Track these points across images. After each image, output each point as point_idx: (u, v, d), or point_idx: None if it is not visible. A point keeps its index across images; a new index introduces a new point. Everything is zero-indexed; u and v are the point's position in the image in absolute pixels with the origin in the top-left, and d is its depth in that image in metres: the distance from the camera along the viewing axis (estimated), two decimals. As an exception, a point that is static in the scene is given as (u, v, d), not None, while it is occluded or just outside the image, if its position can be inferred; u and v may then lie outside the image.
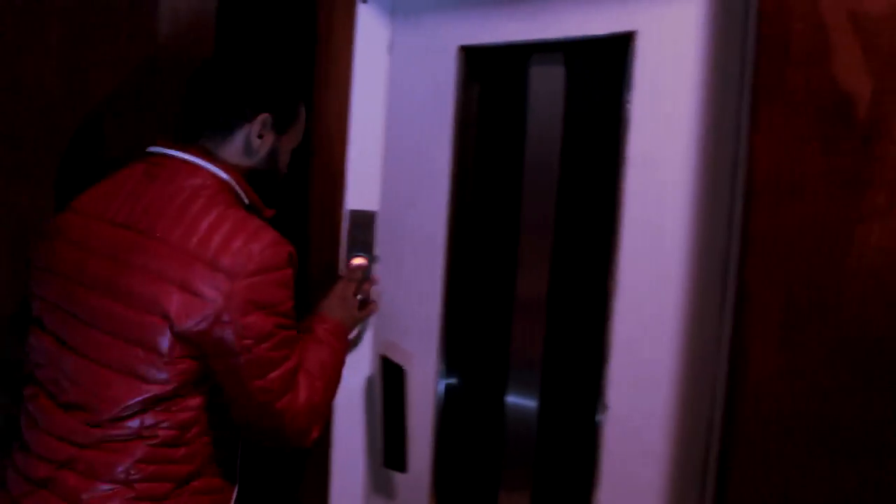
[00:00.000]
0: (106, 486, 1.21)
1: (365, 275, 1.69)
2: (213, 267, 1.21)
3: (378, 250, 1.76)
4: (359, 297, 1.63)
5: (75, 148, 1.77)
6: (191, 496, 1.29)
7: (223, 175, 1.34)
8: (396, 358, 1.66)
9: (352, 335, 1.63)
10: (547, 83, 1.57)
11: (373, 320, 1.78)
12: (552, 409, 1.60)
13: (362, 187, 1.75)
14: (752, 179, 1.16)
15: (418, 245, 1.69)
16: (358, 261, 1.69)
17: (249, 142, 1.38)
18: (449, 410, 1.72)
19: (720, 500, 1.22)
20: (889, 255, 1.07)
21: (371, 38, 1.73)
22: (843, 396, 1.10)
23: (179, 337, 1.21)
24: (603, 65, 1.52)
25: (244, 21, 1.91)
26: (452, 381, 1.72)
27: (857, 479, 1.10)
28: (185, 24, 1.88)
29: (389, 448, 1.71)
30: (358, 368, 1.79)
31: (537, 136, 1.58)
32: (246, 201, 1.38)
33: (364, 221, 1.74)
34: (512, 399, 1.63)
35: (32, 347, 1.34)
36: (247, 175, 1.40)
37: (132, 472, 1.22)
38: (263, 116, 1.38)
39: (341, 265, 1.74)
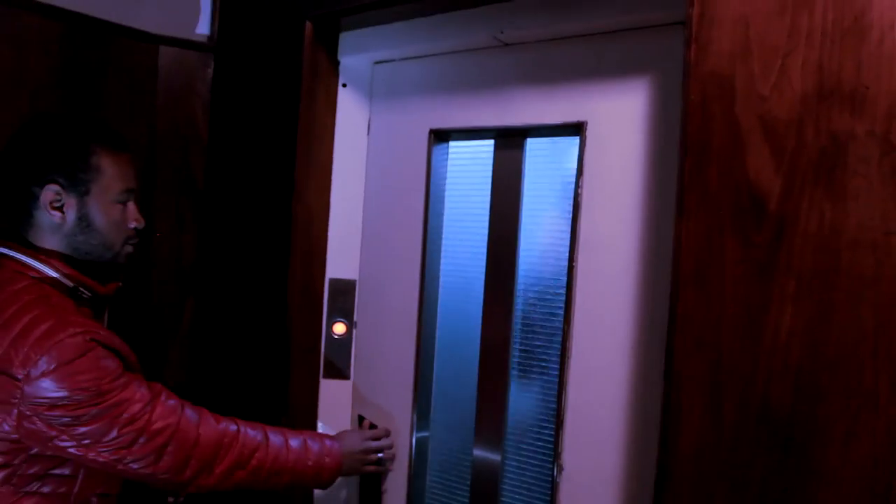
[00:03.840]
0: None
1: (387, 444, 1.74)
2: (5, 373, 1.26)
3: (357, 316, 1.89)
4: (378, 455, 1.70)
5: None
6: None
7: (41, 267, 1.35)
8: (375, 418, 1.78)
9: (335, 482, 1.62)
10: (509, 164, 1.70)
11: (353, 379, 1.90)
12: (514, 465, 1.70)
13: (343, 257, 1.88)
14: (679, 265, 1.28)
15: (394, 311, 1.82)
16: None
17: (50, 218, 1.35)
18: (421, 461, 1.83)
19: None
20: (797, 337, 1.18)
21: (351, 119, 1.88)
22: (756, 463, 1.21)
23: None
24: (558, 151, 1.65)
25: (233, 102, 2.05)
26: (424, 434, 1.83)
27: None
28: (179, 106, 2.03)
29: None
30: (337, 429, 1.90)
31: (500, 212, 1.70)
32: (70, 285, 1.37)
33: (344, 289, 1.87)
34: (478, 452, 1.73)
35: None
36: (69, 255, 1.39)
37: None
38: (48, 190, 1.34)
39: (323, 329, 1.86)
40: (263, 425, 1.49)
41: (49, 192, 1.34)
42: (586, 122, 1.54)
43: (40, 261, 1.36)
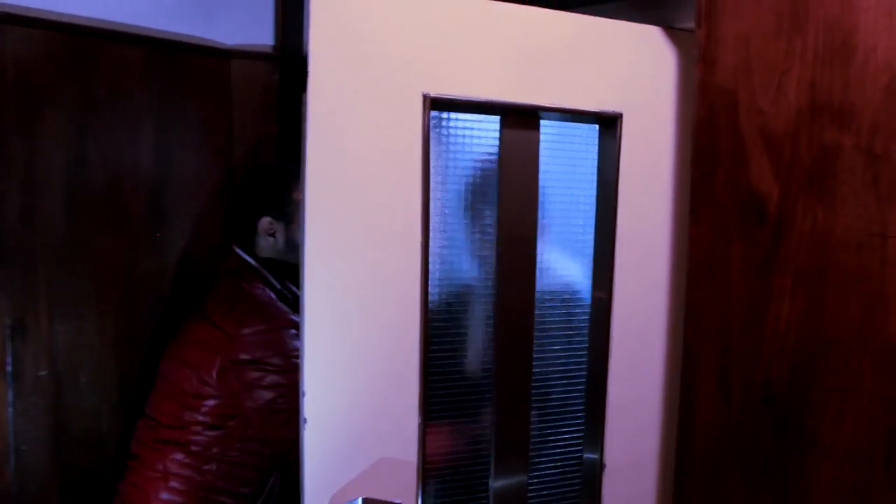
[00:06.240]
0: None
1: None
2: None
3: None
4: None
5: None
6: None
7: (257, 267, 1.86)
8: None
9: None
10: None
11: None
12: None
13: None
14: (691, 260, 1.44)
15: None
16: None
17: (265, 242, 1.85)
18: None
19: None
20: (794, 326, 1.33)
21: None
22: (760, 438, 1.37)
23: None
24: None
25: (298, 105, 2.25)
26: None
27: (771, 499, 1.37)
28: (250, 111, 2.25)
29: None
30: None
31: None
32: (278, 286, 1.79)
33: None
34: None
35: None
36: (274, 264, 1.87)
37: None
38: (263, 221, 1.85)
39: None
40: None
41: (265, 222, 1.85)
42: (622, 115, 1.62)
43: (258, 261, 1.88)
